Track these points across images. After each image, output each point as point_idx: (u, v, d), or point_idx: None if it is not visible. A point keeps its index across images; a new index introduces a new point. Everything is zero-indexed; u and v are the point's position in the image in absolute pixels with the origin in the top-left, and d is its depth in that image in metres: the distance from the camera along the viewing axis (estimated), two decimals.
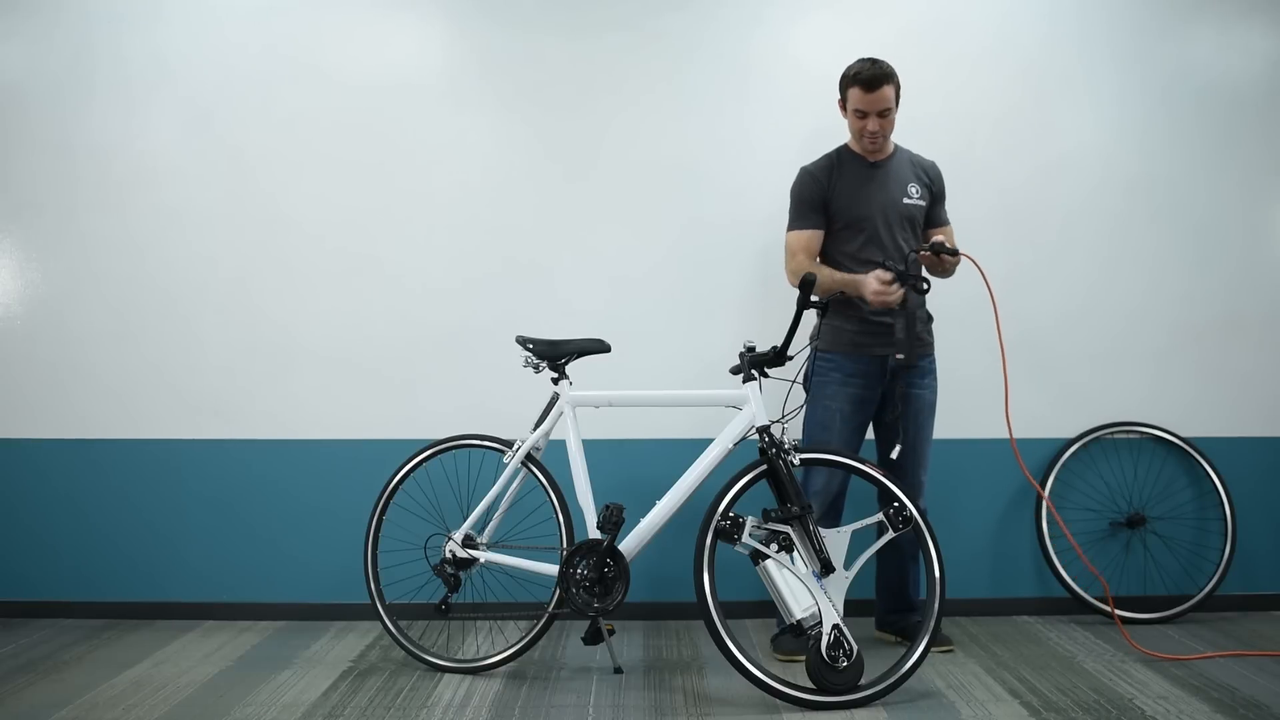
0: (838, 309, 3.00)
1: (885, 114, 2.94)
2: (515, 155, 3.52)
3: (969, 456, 3.45)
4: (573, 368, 2.99)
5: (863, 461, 2.81)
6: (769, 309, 3.30)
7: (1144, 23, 3.53)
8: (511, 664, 2.93)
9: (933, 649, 2.82)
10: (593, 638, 2.82)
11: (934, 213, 3.12)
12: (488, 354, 3.43)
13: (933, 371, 3.11)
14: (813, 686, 2.61)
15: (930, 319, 3.11)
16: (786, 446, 2.74)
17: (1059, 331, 3.51)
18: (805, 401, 3.01)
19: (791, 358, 2.79)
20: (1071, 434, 3.51)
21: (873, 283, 2.84)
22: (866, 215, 2.99)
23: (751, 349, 2.83)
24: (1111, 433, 3.51)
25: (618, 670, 2.93)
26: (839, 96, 3.02)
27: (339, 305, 3.51)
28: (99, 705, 2.68)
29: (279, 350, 3.51)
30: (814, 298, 2.73)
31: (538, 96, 3.51)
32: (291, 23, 3.51)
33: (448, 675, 2.91)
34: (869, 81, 2.91)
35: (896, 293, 2.84)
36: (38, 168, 3.53)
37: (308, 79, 3.51)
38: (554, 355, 2.97)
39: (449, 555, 2.99)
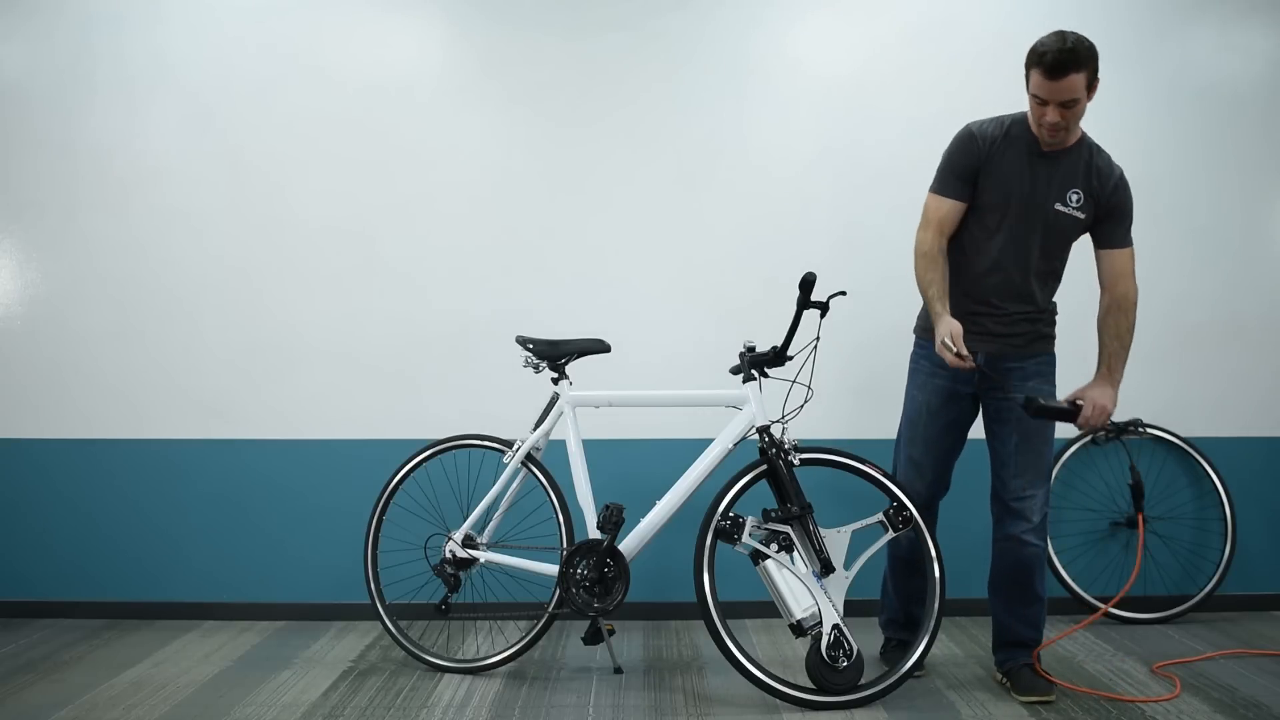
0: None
1: (1070, 105, 2.46)
2: (515, 155, 3.52)
3: (970, 457, 3.43)
4: (573, 368, 3.00)
5: (862, 461, 2.80)
6: (770, 309, 3.29)
7: (1143, 23, 3.53)
8: (511, 664, 2.94)
9: (1033, 698, 2.64)
10: (593, 638, 2.82)
11: (1104, 231, 2.66)
12: (488, 354, 3.43)
13: (1040, 374, 2.73)
14: (813, 686, 2.61)
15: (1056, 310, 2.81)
16: (786, 446, 2.74)
17: (1058, 331, 3.50)
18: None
19: (791, 357, 2.79)
20: (1071, 434, 3.51)
21: (944, 336, 2.50)
22: (1008, 209, 2.61)
23: (751, 349, 2.83)
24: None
25: (618, 670, 2.93)
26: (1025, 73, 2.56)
27: (340, 305, 3.52)
28: (99, 705, 2.68)
29: (280, 350, 3.52)
30: (814, 297, 2.72)
31: (538, 96, 3.51)
32: (292, 22, 3.51)
33: (448, 675, 2.91)
34: (1053, 67, 2.41)
35: (960, 363, 2.51)
36: (39, 167, 3.53)
37: (308, 78, 3.51)
38: (554, 355, 2.97)
39: (449, 555, 2.99)
